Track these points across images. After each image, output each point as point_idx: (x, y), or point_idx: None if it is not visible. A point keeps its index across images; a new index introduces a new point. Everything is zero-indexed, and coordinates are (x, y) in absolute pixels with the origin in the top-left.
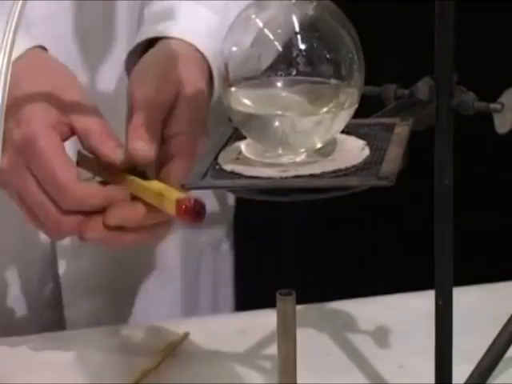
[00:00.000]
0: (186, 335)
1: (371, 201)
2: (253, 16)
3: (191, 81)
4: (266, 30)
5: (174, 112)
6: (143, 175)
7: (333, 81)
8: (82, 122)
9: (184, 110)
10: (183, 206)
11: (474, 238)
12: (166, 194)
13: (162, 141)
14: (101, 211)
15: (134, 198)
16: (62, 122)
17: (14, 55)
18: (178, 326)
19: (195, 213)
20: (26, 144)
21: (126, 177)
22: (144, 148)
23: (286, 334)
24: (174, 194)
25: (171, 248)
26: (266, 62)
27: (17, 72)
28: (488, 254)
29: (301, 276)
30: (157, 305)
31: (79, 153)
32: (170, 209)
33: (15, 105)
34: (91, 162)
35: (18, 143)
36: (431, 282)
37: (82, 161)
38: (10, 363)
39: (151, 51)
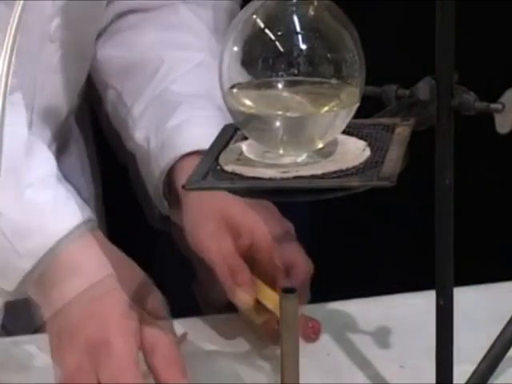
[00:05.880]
0: (186, 335)
1: (372, 201)
2: (253, 16)
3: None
4: (267, 30)
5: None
6: None
7: (333, 81)
8: (151, 333)
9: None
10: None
11: (474, 237)
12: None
13: None
14: None
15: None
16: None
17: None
18: (178, 326)
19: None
20: (98, 345)
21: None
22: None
23: (289, 331)
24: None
25: None
26: (267, 62)
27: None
28: (488, 254)
29: None
30: None
31: None
32: None
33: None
34: None
35: (89, 342)
36: (431, 281)
37: None
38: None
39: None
